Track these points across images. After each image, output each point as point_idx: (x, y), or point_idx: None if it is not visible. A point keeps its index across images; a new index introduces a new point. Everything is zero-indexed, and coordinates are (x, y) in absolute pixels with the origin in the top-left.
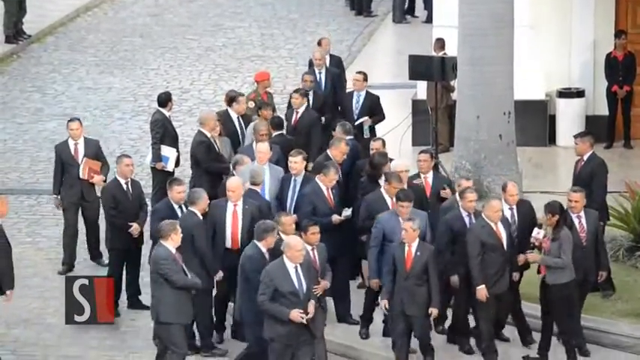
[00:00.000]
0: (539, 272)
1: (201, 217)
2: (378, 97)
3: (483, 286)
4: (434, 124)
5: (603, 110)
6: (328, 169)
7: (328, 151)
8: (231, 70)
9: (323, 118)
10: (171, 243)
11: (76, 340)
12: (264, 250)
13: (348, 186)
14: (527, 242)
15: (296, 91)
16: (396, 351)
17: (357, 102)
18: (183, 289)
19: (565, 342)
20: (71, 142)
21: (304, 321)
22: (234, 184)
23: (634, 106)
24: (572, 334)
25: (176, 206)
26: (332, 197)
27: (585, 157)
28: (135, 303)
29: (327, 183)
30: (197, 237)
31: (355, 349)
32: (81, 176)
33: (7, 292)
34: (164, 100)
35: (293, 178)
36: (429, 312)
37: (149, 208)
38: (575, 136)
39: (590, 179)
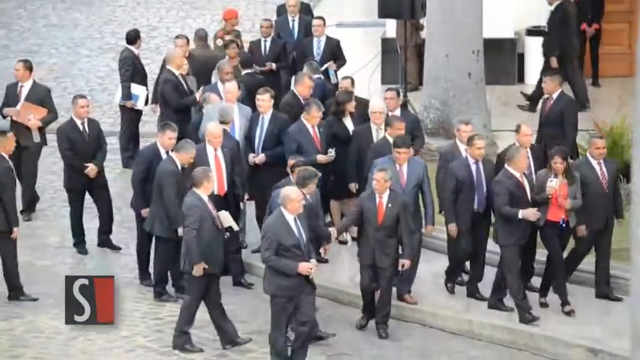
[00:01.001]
0: (562, 222)
1: (179, 167)
2: (338, 42)
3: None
4: (403, 63)
5: None
6: (310, 107)
7: (293, 88)
8: (199, 7)
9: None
10: (203, 191)
11: None
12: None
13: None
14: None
15: (266, 19)
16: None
17: (319, 48)
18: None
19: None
20: (19, 85)
21: (312, 273)
22: (217, 130)
23: (602, 45)
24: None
25: (163, 152)
26: (318, 136)
27: (554, 96)
28: (105, 242)
29: (311, 121)
30: (165, 186)
31: (347, 294)
32: (14, 118)
33: (15, 230)
34: (133, 37)
35: (261, 116)
36: (401, 265)
37: (130, 148)
38: (544, 75)
39: (560, 118)
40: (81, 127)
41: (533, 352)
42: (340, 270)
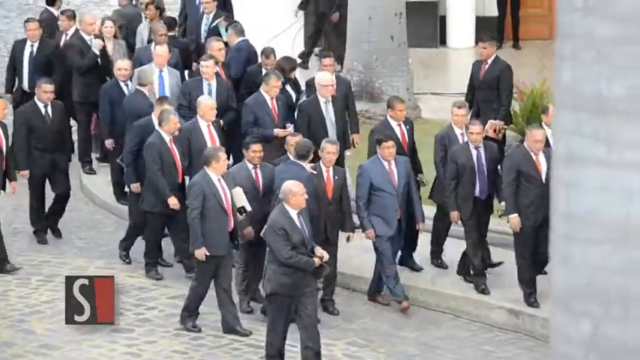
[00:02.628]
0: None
1: (166, 140)
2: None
3: (516, 215)
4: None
5: (493, 11)
6: (269, 77)
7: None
8: None
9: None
10: (212, 171)
11: None
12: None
13: (238, 90)
14: None
15: None
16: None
17: (206, 25)
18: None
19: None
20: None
21: (327, 268)
22: (210, 101)
23: (523, 7)
24: None
25: (157, 124)
26: (276, 108)
27: (489, 61)
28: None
29: (270, 92)
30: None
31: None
32: None
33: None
34: None
35: (206, 83)
36: (347, 237)
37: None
38: (482, 40)
39: (497, 82)
40: (43, 110)
41: (455, 314)
42: None
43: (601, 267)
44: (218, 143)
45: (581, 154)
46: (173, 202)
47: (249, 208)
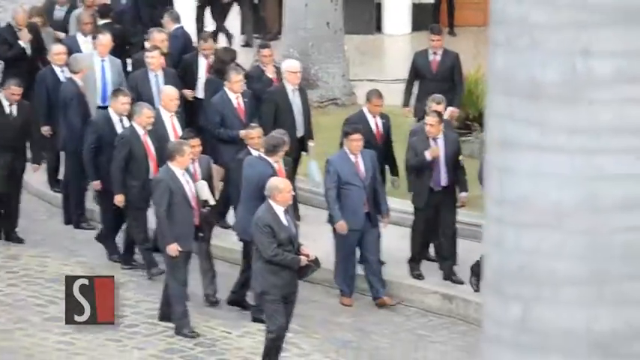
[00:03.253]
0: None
1: (139, 133)
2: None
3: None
4: (262, 11)
5: None
6: (229, 74)
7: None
8: None
9: None
10: (177, 165)
11: None
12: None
13: (182, 79)
14: None
15: None
16: None
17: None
18: (181, 215)
19: None
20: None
21: (313, 267)
22: (173, 91)
23: None
24: None
25: (116, 118)
26: (242, 105)
27: (439, 52)
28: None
29: (234, 88)
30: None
31: None
32: None
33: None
34: None
35: (153, 74)
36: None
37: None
38: (434, 32)
39: (451, 73)
40: (7, 109)
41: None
42: None
43: (532, 251)
44: (180, 135)
45: (513, 139)
46: (120, 199)
47: (212, 201)
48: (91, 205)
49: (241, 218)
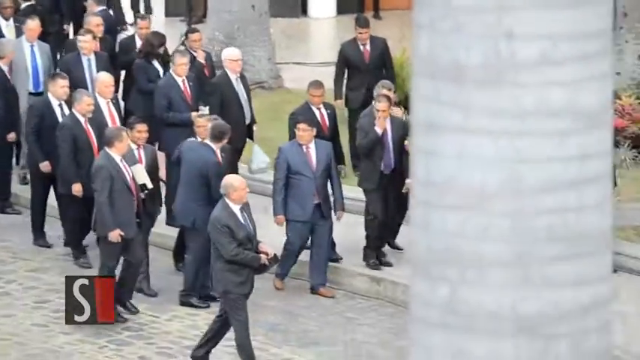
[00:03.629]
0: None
1: (81, 121)
2: None
3: None
4: None
5: None
6: (174, 56)
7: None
8: None
9: None
10: (115, 151)
11: None
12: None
13: (114, 64)
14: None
15: None
16: None
17: None
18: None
19: None
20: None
21: (268, 263)
22: (108, 78)
23: None
24: None
25: (55, 102)
26: (188, 89)
27: (368, 41)
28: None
29: (179, 72)
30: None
31: None
32: None
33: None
34: None
35: (86, 58)
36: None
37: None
38: (361, 26)
39: (382, 59)
40: None
41: None
42: None
43: (458, 233)
44: (118, 121)
45: (438, 122)
46: (77, 188)
47: (150, 185)
48: (16, 189)
49: (180, 203)
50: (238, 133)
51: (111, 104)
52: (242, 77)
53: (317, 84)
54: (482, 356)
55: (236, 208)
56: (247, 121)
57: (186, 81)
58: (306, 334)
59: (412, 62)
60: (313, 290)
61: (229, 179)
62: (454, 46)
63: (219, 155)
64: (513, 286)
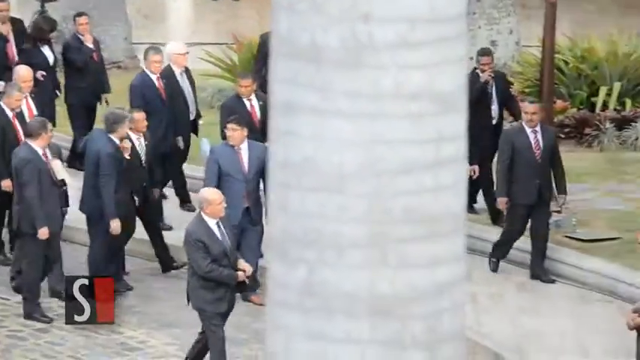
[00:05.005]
0: None
1: (8, 115)
2: None
3: None
4: None
5: None
6: (147, 54)
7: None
8: None
9: None
10: (40, 143)
11: None
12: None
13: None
14: None
15: None
16: None
17: None
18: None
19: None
20: None
21: (246, 280)
22: (28, 73)
23: None
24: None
25: None
26: (163, 87)
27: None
28: None
29: (152, 69)
30: None
31: None
32: None
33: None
34: None
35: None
36: None
37: None
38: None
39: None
40: None
41: (180, 265)
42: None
43: (316, 214)
44: (36, 115)
45: (296, 103)
46: (7, 184)
47: (69, 180)
48: None
49: (84, 194)
50: (183, 128)
51: (29, 98)
52: (187, 71)
53: (245, 75)
54: (339, 338)
55: (212, 223)
56: (192, 116)
57: (160, 79)
58: (162, 316)
59: (272, 43)
60: (245, 299)
61: (204, 193)
62: (312, 27)
63: (120, 145)
64: (370, 267)
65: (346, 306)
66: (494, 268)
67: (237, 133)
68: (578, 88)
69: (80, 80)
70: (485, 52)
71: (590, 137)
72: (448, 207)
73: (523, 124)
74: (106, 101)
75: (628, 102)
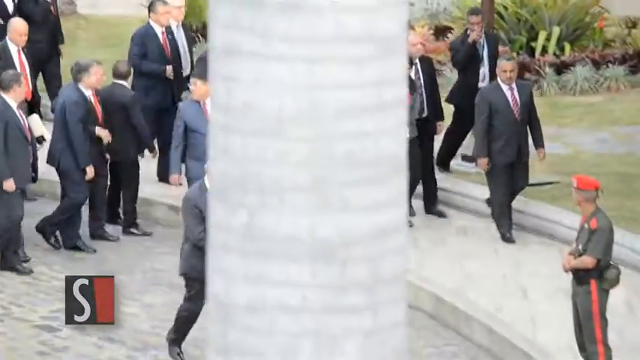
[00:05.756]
0: None
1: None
2: None
3: None
4: None
5: None
6: (154, 4)
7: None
8: None
9: None
10: (13, 96)
11: None
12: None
13: None
14: None
15: None
16: None
17: None
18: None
19: None
20: None
21: None
22: (22, 26)
23: None
24: None
25: None
26: (167, 42)
27: None
28: None
29: (160, 21)
30: None
31: None
32: None
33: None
34: None
35: None
36: None
37: None
38: None
39: None
40: None
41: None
42: None
43: (257, 158)
44: (29, 72)
45: (237, 48)
46: None
47: (48, 136)
48: None
49: (52, 147)
50: (178, 84)
51: (22, 52)
52: (183, 26)
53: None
54: (280, 281)
55: None
56: (186, 73)
57: (165, 32)
58: (104, 262)
59: None
60: None
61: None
62: None
63: (85, 96)
64: (312, 210)
65: (287, 250)
66: (509, 239)
67: (199, 87)
68: (518, 32)
69: (37, 33)
70: (474, 12)
71: (529, 82)
72: (389, 151)
73: (499, 81)
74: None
75: (567, 47)
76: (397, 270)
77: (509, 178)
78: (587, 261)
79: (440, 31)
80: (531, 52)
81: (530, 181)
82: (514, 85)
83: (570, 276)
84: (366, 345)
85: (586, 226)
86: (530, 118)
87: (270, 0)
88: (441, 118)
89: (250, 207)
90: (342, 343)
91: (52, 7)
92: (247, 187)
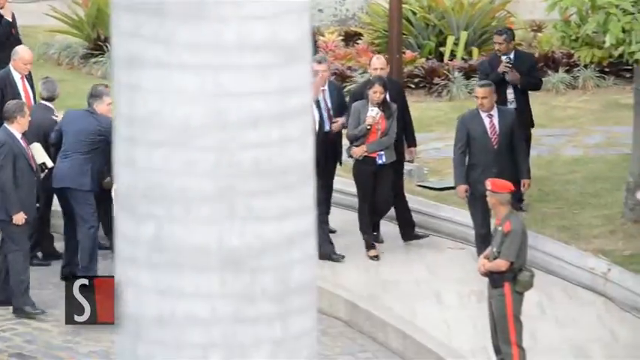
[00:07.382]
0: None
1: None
2: None
3: None
4: None
5: None
6: None
7: None
8: None
9: None
10: (17, 127)
11: None
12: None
13: None
14: None
15: None
16: None
17: None
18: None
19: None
20: None
21: None
22: (27, 55)
23: None
24: None
25: None
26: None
27: None
28: None
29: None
30: None
31: None
32: None
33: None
34: None
35: None
36: None
37: None
38: None
39: None
40: None
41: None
42: None
43: (163, 169)
44: (32, 99)
45: (140, 57)
46: None
47: (50, 164)
48: None
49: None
50: None
51: (25, 79)
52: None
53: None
54: (190, 292)
55: None
56: None
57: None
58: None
59: None
60: None
61: None
62: None
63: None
64: (219, 220)
65: (195, 260)
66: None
67: None
68: (427, 38)
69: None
70: (499, 32)
71: (439, 87)
72: (295, 159)
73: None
74: None
75: (475, 51)
76: (306, 278)
77: (485, 210)
78: (501, 264)
79: (349, 37)
80: (440, 57)
81: (442, 185)
82: (494, 112)
83: (486, 279)
84: (275, 354)
85: (500, 228)
86: (513, 146)
87: (173, 8)
88: (414, 143)
89: (157, 218)
90: (251, 352)
91: (12, 30)
92: (154, 198)
